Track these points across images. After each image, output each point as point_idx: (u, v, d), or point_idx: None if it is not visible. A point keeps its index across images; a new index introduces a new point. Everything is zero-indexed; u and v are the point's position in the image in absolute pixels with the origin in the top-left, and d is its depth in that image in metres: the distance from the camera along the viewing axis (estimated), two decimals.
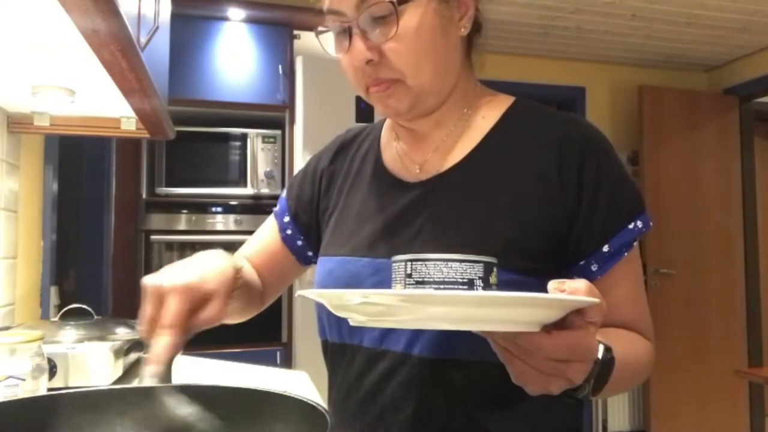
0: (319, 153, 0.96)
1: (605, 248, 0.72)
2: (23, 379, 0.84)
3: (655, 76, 4.08)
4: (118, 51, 0.83)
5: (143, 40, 0.93)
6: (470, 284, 0.54)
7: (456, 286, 0.53)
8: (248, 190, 2.79)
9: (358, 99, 2.79)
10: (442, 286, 0.54)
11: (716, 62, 4.08)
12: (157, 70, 1.13)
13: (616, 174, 0.74)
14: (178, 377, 1.00)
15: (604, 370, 0.58)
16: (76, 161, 2.59)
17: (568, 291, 0.52)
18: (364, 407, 0.77)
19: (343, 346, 0.81)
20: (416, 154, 0.81)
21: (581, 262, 0.73)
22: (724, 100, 4.04)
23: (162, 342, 0.61)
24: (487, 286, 0.54)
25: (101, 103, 1.34)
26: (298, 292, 0.58)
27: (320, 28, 0.76)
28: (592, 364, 0.56)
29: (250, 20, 2.81)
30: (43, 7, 0.77)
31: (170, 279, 0.64)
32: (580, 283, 0.52)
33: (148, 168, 2.72)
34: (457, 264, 0.54)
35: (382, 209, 0.79)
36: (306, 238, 0.93)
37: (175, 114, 1.62)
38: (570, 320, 0.52)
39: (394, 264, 0.57)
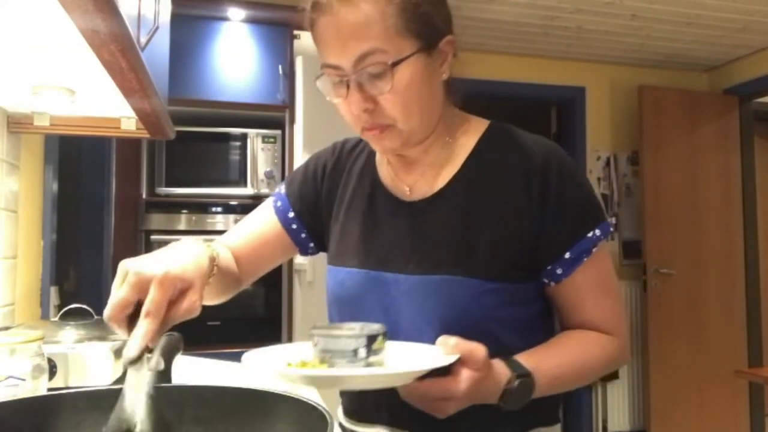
0: (319, 155, 1.03)
1: (567, 255, 0.83)
2: (23, 379, 0.84)
3: (655, 76, 4.08)
4: (118, 51, 0.83)
5: (143, 40, 0.93)
6: (355, 353, 0.69)
7: (344, 356, 0.69)
8: (248, 190, 2.79)
9: None
10: (332, 356, 0.70)
11: (716, 62, 4.08)
12: (157, 70, 1.13)
13: (576, 189, 0.85)
14: (179, 377, 1.00)
15: (520, 390, 0.75)
16: (76, 161, 2.58)
17: (447, 346, 0.71)
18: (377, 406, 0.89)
19: None
20: (406, 176, 0.92)
21: (548, 267, 0.85)
22: (724, 100, 4.04)
23: (142, 329, 0.61)
24: (370, 352, 0.69)
25: (101, 103, 1.34)
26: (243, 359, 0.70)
27: (318, 75, 0.84)
28: (465, 400, 0.71)
29: (250, 20, 2.81)
30: (43, 7, 0.77)
31: (153, 267, 0.65)
32: (453, 340, 0.71)
33: (148, 168, 2.72)
34: (345, 338, 0.70)
35: (382, 225, 0.90)
36: (308, 233, 1.01)
37: (175, 114, 1.62)
38: (453, 368, 0.70)
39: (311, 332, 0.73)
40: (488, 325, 0.82)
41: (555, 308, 0.90)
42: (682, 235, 3.81)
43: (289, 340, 2.75)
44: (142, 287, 0.63)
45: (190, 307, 0.67)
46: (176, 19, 1.54)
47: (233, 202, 2.76)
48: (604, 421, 3.87)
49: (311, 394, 1.19)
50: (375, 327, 0.71)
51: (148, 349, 0.61)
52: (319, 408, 0.53)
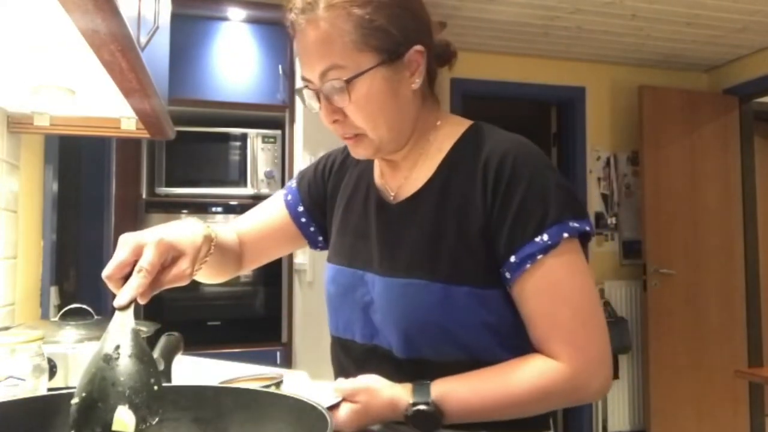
0: (330, 154, 1.07)
1: (512, 259, 0.81)
2: (23, 379, 0.84)
3: (655, 76, 4.08)
4: (118, 51, 0.83)
5: (143, 40, 0.93)
6: None
7: None
8: (248, 190, 2.79)
9: None
10: None
11: (716, 62, 4.08)
12: (157, 70, 1.13)
13: (526, 187, 0.81)
14: (179, 377, 1.00)
15: (419, 417, 0.78)
16: (76, 161, 2.58)
17: (336, 390, 0.81)
18: None
19: (341, 339, 0.96)
20: (392, 180, 0.95)
21: (501, 270, 0.82)
22: (724, 100, 4.04)
23: (134, 281, 0.66)
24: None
25: (101, 103, 1.34)
26: None
27: (299, 87, 0.88)
28: (353, 424, 0.80)
29: (250, 20, 2.81)
30: (43, 7, 0.77)
31: (150, 234, 0.72)
32: (339, 384, 0.83)
33: (148, 168, 2.72)
34: None
35: (370, 226, 0.93)
36: (317, 227, 1.06)
37: (175, 114, 1.62)
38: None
39: None
40: (454, 329, 0.82)
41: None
42: (682, 235, 3.81)
43: (289, 340, 2.75)
44: (139, 250, 0.69)
45: (179, 273, 0.72)
46: (176, 19, 1.54)
47: (233, 202, 2.76)
48: (604, 421, 3.87)
49: (311, 394, 1.19)
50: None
51: (134, 300, 0.66)
52: (319, 408, 0.53)
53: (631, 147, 4.06)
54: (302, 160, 2.74)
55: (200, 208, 2.71)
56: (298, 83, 2.94)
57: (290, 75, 2.79)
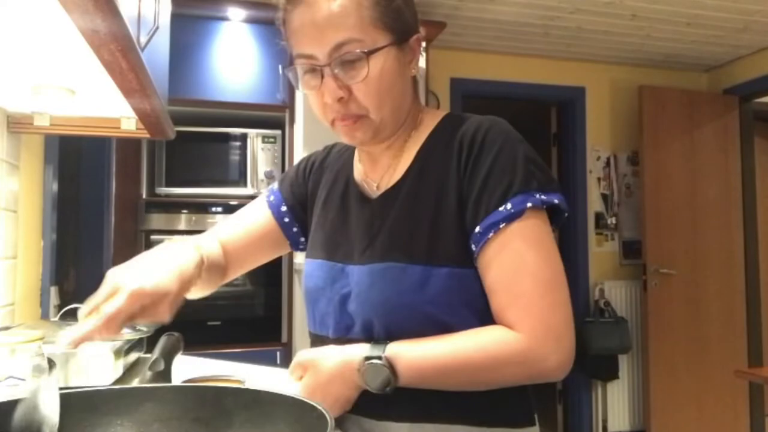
0: (311, 155, 1.08)
1: (477, 229, 0.80)
2: (23, 379, 0.84)
3: (655, 76, 4.08)
4: (118, 51, 0.83)
5: (143, 40, 0.93)
6: None
7: None
8: (248, 190, 2.79)
9: None
10: None
11: (716, 62, 4.08)
12: (157, 70, 1.13)
13: (494, 161, 0.81)
14: (179, 377, 1.00)
15: (371, 372, 0.78)
16: (76, 161, 2.58)
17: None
18: None
19: (316, 336, 0.95)
20: (373, 173, 0.94)
21: (470, 244, 0.82)
22: (724, 100, 4.04)
23: (88, 323, 0.68)
24: None
25: (101, 103, 1.34)
26: None
27: (289, 66, 0.87)
28: (314, 391, 0.81)
29: (250, 20, 2.81)
30: (43, 7, 0.77)
31: (129, 280, 0.72)
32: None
33: (148, 168, 2.72)
34: None
35: (350, 220, 0.92)
36: (300, 227, 1.05)
37: (175, 114, 1.62)
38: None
39: None
40: (433, 311, 0.80)
41: None
42: (682, 235, 3.81)
43: (289, 340, 2.75)
44: (115, 293, 0.70)
45: (154, 317, 0.73)
46: (176, 19, 1.54)
47: (233, 202, 2.76)
48: (604, 421, 3.87)
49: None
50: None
51: (83, 341, 0.67)
52: (319, 408, 0.53)
53: (631, 147, 4.06)
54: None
55: (200, 208, 2.71)
56: None
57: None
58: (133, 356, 1.30)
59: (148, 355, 1.20)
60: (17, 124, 1.49)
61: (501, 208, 0.79)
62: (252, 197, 2.80)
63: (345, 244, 0.91)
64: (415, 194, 0.86)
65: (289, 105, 2.80)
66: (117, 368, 1.14)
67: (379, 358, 0.78)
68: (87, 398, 0.56)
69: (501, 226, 0.78)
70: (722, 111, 3.99)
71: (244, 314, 2.74)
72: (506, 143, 0.82)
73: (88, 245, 2.52)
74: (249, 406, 0.59)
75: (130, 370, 1.25)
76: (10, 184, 1.51)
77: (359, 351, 0.80)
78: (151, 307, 0.72)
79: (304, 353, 0.86)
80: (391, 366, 0.78)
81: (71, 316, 1.36)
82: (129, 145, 2.65)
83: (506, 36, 3.57)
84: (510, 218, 0.78)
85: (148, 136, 1.50)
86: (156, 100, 1.15)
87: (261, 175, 2.79)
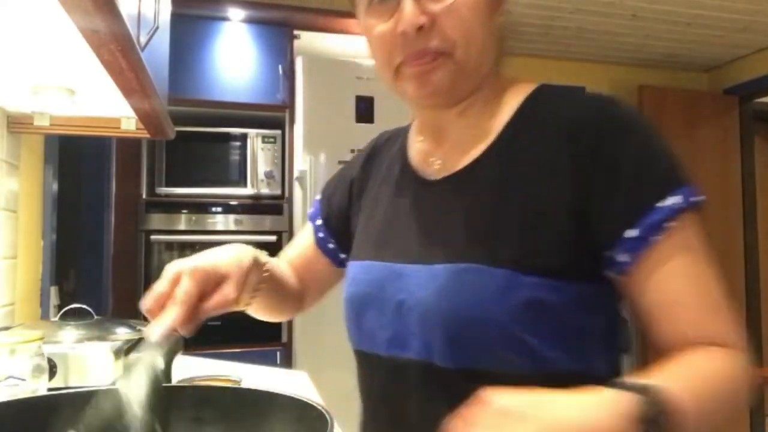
0: (354, 158, 0.95)
1: (628, 233, 0.62)
2: (23, 379, 0.84)
3: (655, 76, 4.08)
4: (118, 51, 0.83)
5: (143, 39, 0.93)
6: None
7: None
8: (248, 190, 2.79)
9: (358, 99, 2.79)
10: None
11: (716, 62, 4.08)
12: (157, 69, 1.13)
13: (641, 150, 0.64)
14: (178, 377, 1.00)
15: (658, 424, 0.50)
16: (76, 161, 2.58)
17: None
18: (393, 428, 0.73)
19: (363, 354, 0.78)
20: (437, 149, 0.77)
21: (608, 255, 0.64)
22: (724, 100, 4.04)
23: (168, 314, 0.65)
24: None
25: (101, 103, 1.34)
26: None
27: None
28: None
29: (250, 20, 2.81)
30: (43, 7, 0.77)
31: (188, 262, 0.69)
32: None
33: (148, 168, 2.72)
34: None
35: (405, 211, 0.77)
36: (337, 242, 0.92)
37: (175, 114, 1.62)
38: None
39: None
40: (516, 329, 0.63)
41: (638, 320, 0.66)
42: None
43: (289, 340, 2.75)
44: (177, 281, 0.67)
45: (223, 298, 0.69)
46: (176, 19, 1.54)
47: (233, 202, 2.76)
48: None
49: (311, 395, 1.19)
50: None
51: (174, 333, 0.65)
52: (319, 408, 0.53)
53: None
54: (302, 161, 2.74)
55: (200, 208, 2.71)
56: (299, 83, 2.95)
57: (290, 75, 2.79)
58: (133, 356, 1.30)
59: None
60: (17, 124, 1.49)
61: (659, 204, 0.62)
62: (252, 197, 2.82)
63: (398, 239, 0.75)
64: (500, 181, 0.69)
65: (289, 105, 2.80)
66: (117, 368, 1.14)
67: (657, 418, 0.50)
68: (87, 398, 0.56)
69: (668, 226, 0.62)
70: (722, 111, 3.99)
71: (244, 314, 2.73)
72: (647, 128, 0.67)
73: (88, 245, 2.52)
74: (248, 406, 0.59)
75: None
76: (10, 184, 1.51)
77: (619, 409, 0.50)
78: (216, 288, 0.69)
79: (498, 397, 0.50)
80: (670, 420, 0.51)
81: (71, 316, 1.36)
82: (129, 145, 2.65)
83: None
84: (674, 216, 0.62)
85: (148, 136, 1.50)
86: (156, 99, 1.15)
87: (261, 175, 2.79)
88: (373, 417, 0.78)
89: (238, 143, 2.79)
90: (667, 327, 0.63)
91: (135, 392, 0.56)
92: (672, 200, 0.62)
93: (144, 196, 2.68)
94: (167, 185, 2.69)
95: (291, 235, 2.76)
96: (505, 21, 0.74)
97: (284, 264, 0.92)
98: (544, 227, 0.65)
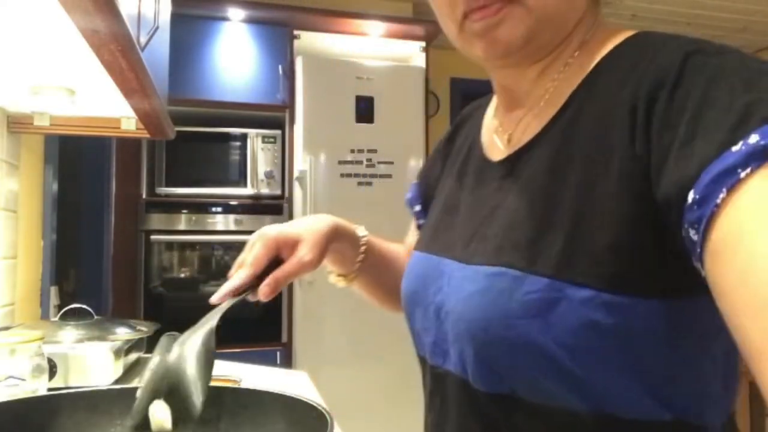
0: (445, 131, 0.84)
1: (691, 197, 0.41)
2: (23, 379, 0.84)
3: None
4: (118, 51, 0.83)
5: (143, 40, 0.93)
6: None
7: None
8: (248, 190, 2.79)
9: (358, 99, 2.79)
10: None
11: None
12: (157, 69, 1.13)
13: (708, 82, 0.44)
14: None
15: None
16: (76, 161, 2.58)
17: None
18: None
19: (418, 355, 0.69)
20: (508, 122, 0.64)
21: (682, 233, 0.43)
22: None
23: (233, 279, 0.69)
24: None
25: (101, 103, 1.34)
26: None
27: None
28: None
29: (250, 20, 2.82)
30: (43, 6, 0.77)
31: (262, 230, 0.73)
32: None
33: (148, 168, 2.72)
34: None
35: (462, 197, 0.67)
36: None
37: (175, 114, 1.62)
38: None
39: None
40: (564, 360, 0.48)
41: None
42: None
43: (289, 340, 2.75)
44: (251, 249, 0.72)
45: (297, 261, 0.71)
46: (176, 18, 1.54)
47: (233, 202, 2.76)
48: None
49: (311, 395, 1.19)
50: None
51: (238, 294, 0.69)
52: (319, 408, 0.53)
53: None
54: (302, 161, 2.74)
55: (200, 207, 2.71)
56: (299, 83, 2.96)
57: (290, 75, 2.79)
58: (133, 356, 1.30)
59: (149, 355, 1.20)
60: (17, 124, 1.49)
61: (734, 148, 0.39)
62: (252, 197, 2.82)
63: (449, 229, 0.65)
64: (554, 163, 0.54)
65: (289, 105, 2.80)
66: (117, 368, 1.14)
67: None
68: (87, 398, 0.56)
69: (743, 175, 0.38)
70: None
71: (244, 314, 2.74)
72: (733, 58, 0.46)
73: (88, 245, 2.52)
74: (248, 406, 0.59)
75: (130, 370, 1.25)
76: (10, 184, 1.51)
77: None
78: (290, 251, 0.71)
79: None
80: None
81: (71, 316, 1.36)
82: (129, 145, 2.65)
83: None
84: (752, 163, 0.38)
85: (147, 136, 1.50)
86: (156, 99, 1.15)
87: (261, 175, 2.80)
88: (425, 418, 0.70)
89: (238, 143, 2.79)
90: (752, 328, 0.37)
91: (189, 347, 0.58)
92: (748, 140, 0.39)
93: (144, 196, 2.68)
94: (167, 185, 2.69)
95: None
96: None
97: (402, 249, 0.87)
98: (599, 220, 0.48)
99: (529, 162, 0.57)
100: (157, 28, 1.03)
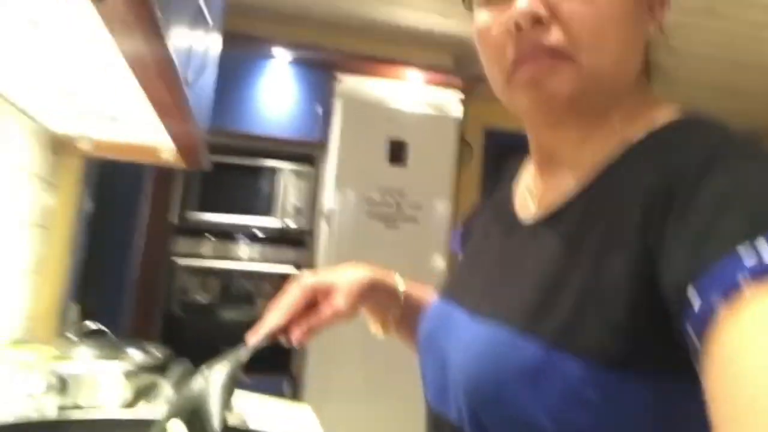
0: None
1: (693, 300, 0.41)
2: (35, 396, 0.85)
3: None
4: (164, 84, 0.85)
5: (191, 77, 0.96)
6: None
7: None
8: (275, 222, 2.82)
9: (392, 143, 2.82)
10: None
11: None
12: (200, 104, 1.16)
13: (724, 182, 0.44)
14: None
15: None
16: (111, 180, 2.65)
17: None
18: None
19: (426, 404, 0.68)
20: (542, 184, 0.63)
21: (681, 333, 0.42)
22: None
23: (267, 321, 0.71)
24: None
25: (142, 130, 1.38)
26: None
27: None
28: None
29: (295, 61, 2.89)
30: (90, 32, 0.80)
31: (302, 277, 0.75)
32: None
33: (180, 193, 2.77)
34: None
35: (486, 252, 0.67)
36: None
37: (213, 143, 1.65)
38: None
39: None
40: (550, 428, 0.47)
41: None
42: None
43: (299, 370, 2.72)
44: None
45: (331, 309, 0.72)
46: (223, 53, 1.58)
47: (259, 233, 2.79)
48: None
49: (313, 431, 1.16)
50: None
51: (272, 339, 0.71)
52: None
53: None
54: (331, 198, 2.77)
55: (226, 235, 2.74)
56: (336, 124, 2.98)
57: (328, 115, 2.85)
58: (145, 379, 1.30)
59: (158, 379, 1.19)
60: (60, 146, 1.54)
61: (743, 258, 0.39)
62: (279, 230, 2.83)
63: (469, 279, 0.67)
64: (576, 233, 0.54)
65: (324, 143, 2.85)
66: (127, 391, 1.15)
67: None
68: (95, 425, 0.56)
69: (744, 284, 0.38)
70: None
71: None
72: (761, 167, 0.45)
73: (112, 265, 2.56)
74: None
75: (140, 394, 1.25)
76: (46, 201, 1.56)
77: None
78: (325, 298, 0.73)
79: None
80: None
81: (89, 335, 1.38)
82: (165, 169, 2.70)
83: None
84: (748, 276, 0.39)
85: (183, 166, 1.54)
86: (196, 133, 1.18)
87: (289, 208, 2.83)
88: None
89: (270, 176, 2.84)
90: None
91: (215, 377, 0.62)
92: (742, 255, 0.39)
93: (174, 221, 2.72)
94: (197, 210, 2.74)
95: (313, 268, 2.77)
96: (662, 23, 0.58)
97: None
98: (604, 299, 0.48)
99: (552, 230, 0.57)
100: (205, 66, 1.07)
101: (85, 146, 1.48)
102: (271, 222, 2.81)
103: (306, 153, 2.90)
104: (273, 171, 2.84)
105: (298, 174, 2.86)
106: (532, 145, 0.66)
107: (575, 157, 0.59)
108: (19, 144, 1.37)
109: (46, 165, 1.52)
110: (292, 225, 2.82)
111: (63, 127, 1.46)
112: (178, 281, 2.66)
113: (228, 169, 2.78)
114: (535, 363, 0.49)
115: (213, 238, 2.72)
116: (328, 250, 2.78)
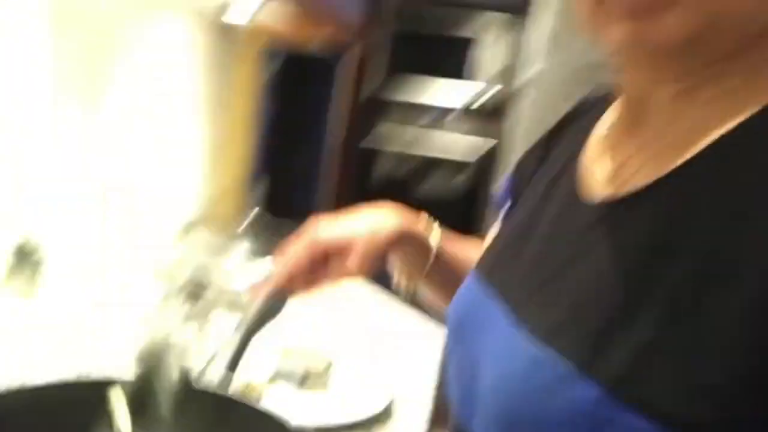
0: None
1: None
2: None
3: None
4: None
5: None
6: None
7: None
8: (471, 94, 2.66)
9: None
10: None
11: None
12: None
13: None
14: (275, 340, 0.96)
15: None
16: (302, 68, 2.68)
17: None
18: None
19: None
20: (621, 147, 0.46)
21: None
22: None
23: (275, 273, 0.67)
24: None
25: None
26: None
27: None
28: None
29: None
30: None
31: (315, 228, 0.68)
32: None
33: (372, 71, 2.71)
34: None
35: (541, 225, 0.51)
36: None
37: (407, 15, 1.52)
38: None
39: None
40: None
41: None
42: None
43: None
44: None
45: (340, 270, 0.67)
46: None
47: (454, 105, 2.65)
48: None
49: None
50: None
51: (279, 297, 0.68)
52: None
53: None
54: (534, 66, 2.49)
55: (420, 109, 2.66)
56: None
57: None
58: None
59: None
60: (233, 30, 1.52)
61: None
62: (473, 102, 2.66)
63: (515, 259, 0.51)
64: (670, 227, 0.39)
65: (526, 9, 2.53)
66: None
67: None
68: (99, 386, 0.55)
69: None
70: None
71: None
72: None
73: (305, 145, 2.64)
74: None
75: None
76: (223, 77, 1.57)
77: None
78: (337, 255, 0.67)
79: None
80: None
81: (262, 220, 1.42)
82: (355, 50, 2.65)
83: None
84: None
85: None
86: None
87: (487, 79, 2.64)
88: None
89: (466, 46, 2.66)
90: None
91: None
92: None
93: (365, 102, 2.70)
94: (388, 89, 2.69)
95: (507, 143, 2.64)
96: None
97: (478, 251, 0.68)
98: (702, 338, 0.34)
99: (633, 217, 0.41)
100: None
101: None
102: (467, 94, 2.67)
103: (505, 18, 2.63)
104: (468, 42, 2.66)
105: (496, 42, 2.64)
106: (618, 92, 0.49)
107: (671, 116, 0.42)
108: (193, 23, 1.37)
109: (224, 44, 1.53)
110: (490, 94, 2.65)
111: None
112: (373, 157, 2.72)
113: (420, 42, 2.67)
114: (589, 410, 0.37)
115: (406, 113, 2.66)
116: (528, 122, 2.56)
